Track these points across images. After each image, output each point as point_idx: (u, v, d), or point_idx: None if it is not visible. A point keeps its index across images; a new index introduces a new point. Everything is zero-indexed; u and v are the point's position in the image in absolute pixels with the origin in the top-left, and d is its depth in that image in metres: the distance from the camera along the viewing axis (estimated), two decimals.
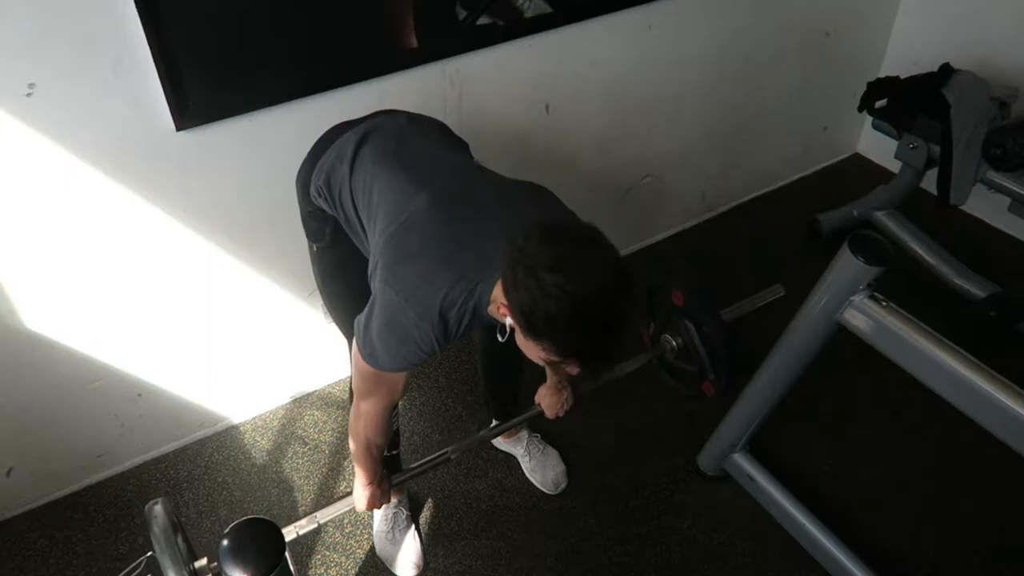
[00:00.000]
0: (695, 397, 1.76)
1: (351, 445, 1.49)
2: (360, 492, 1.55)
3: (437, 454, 1.64)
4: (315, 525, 1.48)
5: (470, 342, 2.27)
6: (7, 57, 1.41)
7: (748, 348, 1.73)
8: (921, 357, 1.40)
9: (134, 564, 1.31)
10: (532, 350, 1.15)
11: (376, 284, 1.28)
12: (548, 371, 1.68)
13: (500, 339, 1.29)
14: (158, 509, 1.30)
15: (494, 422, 2.11)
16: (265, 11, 1.62)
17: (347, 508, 1.55)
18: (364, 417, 1.41)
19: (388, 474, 1.59)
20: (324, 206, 1.46)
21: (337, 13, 1.70)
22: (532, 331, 1.09)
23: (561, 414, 1.72)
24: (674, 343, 1.72)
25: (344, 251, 1.50)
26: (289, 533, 1.40)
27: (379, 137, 1.44)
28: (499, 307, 1.17)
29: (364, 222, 1.39)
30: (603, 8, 2.13)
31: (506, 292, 1.10)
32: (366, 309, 1.29)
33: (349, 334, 1.65)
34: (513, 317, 1.12)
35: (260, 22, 1.63)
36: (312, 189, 1.47)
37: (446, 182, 1.32)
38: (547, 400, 1.72)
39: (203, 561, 1.32)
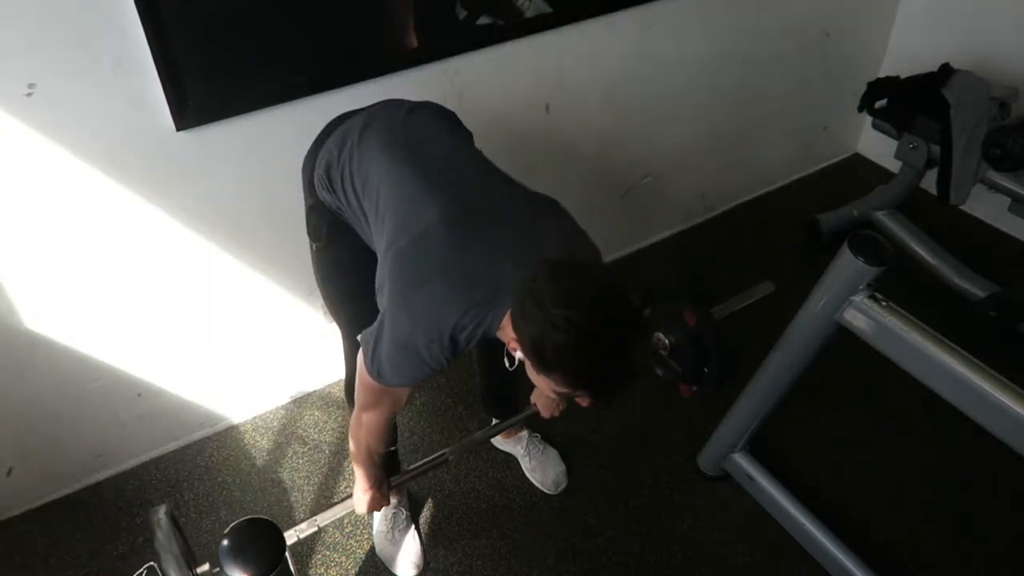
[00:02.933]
0: (667, 384, 1.75)
1: (352, 449, 1.49)
2: (360, 496, 1.55)
3: (435, 456, 1.65)
4: (315, 529, 1.48)
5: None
6: (7, 57, 1.41)
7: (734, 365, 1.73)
8: (921, 357, 1.40)
9: (138, 573, 1.32)
10: (544, 383, 1.18)
11: (385, 303, 1.28)
12: None
13: (508, 367, 1.33)
14: (162, 516, 1.30)
15: (493, 421, 2.11)
16: (265, 11, 1.62)
17: (347, 511, 1.56)
18: (366, 427, 1.43)
19: (387, 477, 1.59)
20: (326, 197, 1.45)
21: (337, 13, 1.70)
22: (543, 364, 1.11)
23: (556, 414, 1.72)
24: (667, 341, 1.71)
25: (343, 250, 1.50)
26: (289, 537, 1.40)
27: (383, 125, 1.42)
28: (510, 341, 1.20)
29: (368, 216, 1.37)
30: (603, 8, 2.13)
31: (515, 326, 1.13)
32: (374, 326, 1.28)
33: (348, 333, 1.66)
34: (524, 351, 1.14)
35: (260, 22, 1.63)
36: (315, 179, 1.46)
37: (456, 189, 1.30)
38: (543, 400, 1.72)
39: (205, 567, 1.32)
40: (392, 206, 1.31)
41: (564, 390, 1.16)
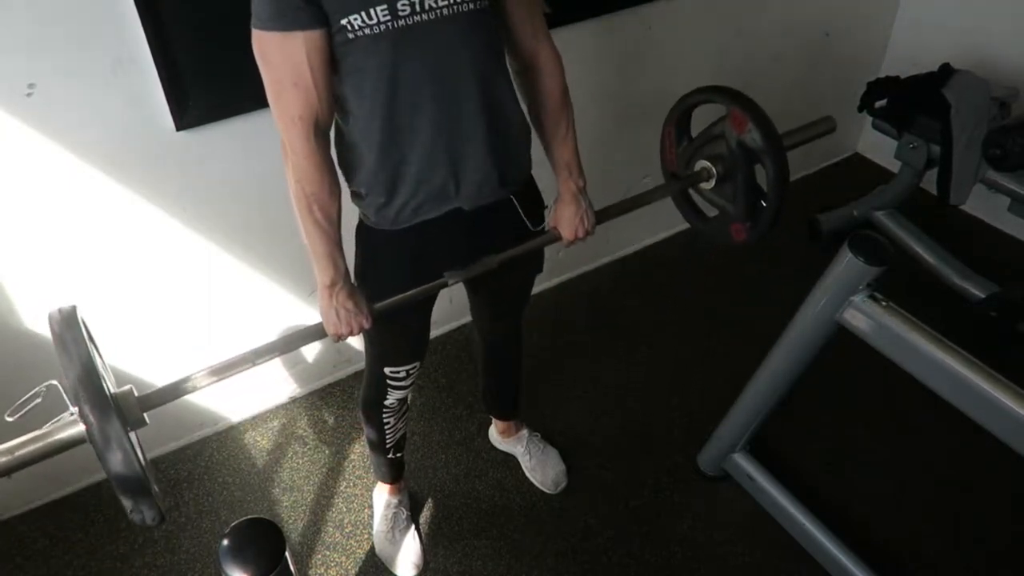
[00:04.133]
0: (715, 237, 1.50)
1: (297, 217, 1.24)
2: (325, 302, 1.28)
3: (435, 282, 1.35)
4: (275, 355, 1.25)
5: (469, 343, 2.27)
6: (7, 57, 1.41)
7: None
8: (921, 357, 1.40)
9: (34, 392, 1.06)
10: None
11: None
12: (551, 156, 1.47)
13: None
14: (63, 311, 1.04)
15: (494, 421, 2.11)
16: None
17: (318, 338, 1.30)
18: (288, 146, 1.20)
19: (356, 288, 1.31)
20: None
21: None
22: None
23: (581, 234, 1.46)
24: (714, 171, 1.47)
25: None
26: (245, 362, 1.21)
27: None
28: None
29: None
30: (603, 8, 2.13)
31: None
32: None
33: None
34: None
35: None
36: None
37: None
38: (564, 218, 1.45)
39: (127, 387, 1.11)
40: None
41: None
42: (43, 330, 1.74)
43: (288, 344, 1.27)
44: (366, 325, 1.30)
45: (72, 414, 1.02)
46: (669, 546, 1.91)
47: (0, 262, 1.63)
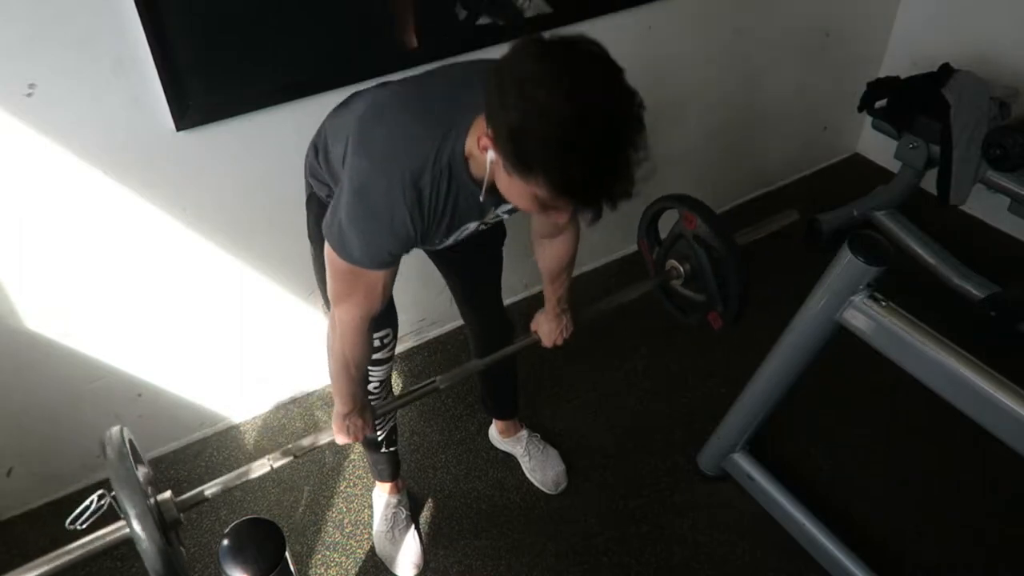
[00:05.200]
0: (700, 327, 1.66)
1: (329, 364, 1.38)
2: (340, 423, 1.45)
3: (424, 383, 1.53)
4: (289, 458, 1.40)
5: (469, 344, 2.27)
6: (7, 57, 1.41)
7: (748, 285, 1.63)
8: (921, 357, 1.40)
9: (90, 500, 1.22)
10: (518, 190, 1.01)
11: (345, 165, 1.19)
12: (546, 290, 1.59)
13: (483, 225, 1.29)
14: (115, 434, 1.19)
15: (494, 421, 2.11)
16: (265, 11, 1.62)
17: (327, 440, 1.47)
18: (340, 327, 1.30)
19: (368, 401, 1.50)
20: (315, 186, 1.42)
21: (337, 13, 1.70)
22: (522, 160, 0.94)
23: (559, 342, 1.61)
24: (682, 269, 1.61)
25: None
26: (261, 467, 1.36)
27: (371, 90, 1.38)
28: (479, 140, 1.04)
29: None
30: (603, 8, 2.13)
31: (490, 117, 0.96)
32: (335, 195, 1.21)
33: None
34: (499, 148, 0.97)
35: (260, 22, 1.63)
36: (306, 164, 1.44)
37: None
38: (544, 327, 1.62)
39: (167, 494, 1.25)
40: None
41: (544, 194, 0.97)
42: (43, 330, 1.75)
43: (299, 449, 1.44)
44: (369, 434, 1.52)
45: (121, 523, 1.20)
46: (669, 546, 1.91)
47: (0, 262, 1.63)
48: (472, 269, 1.71)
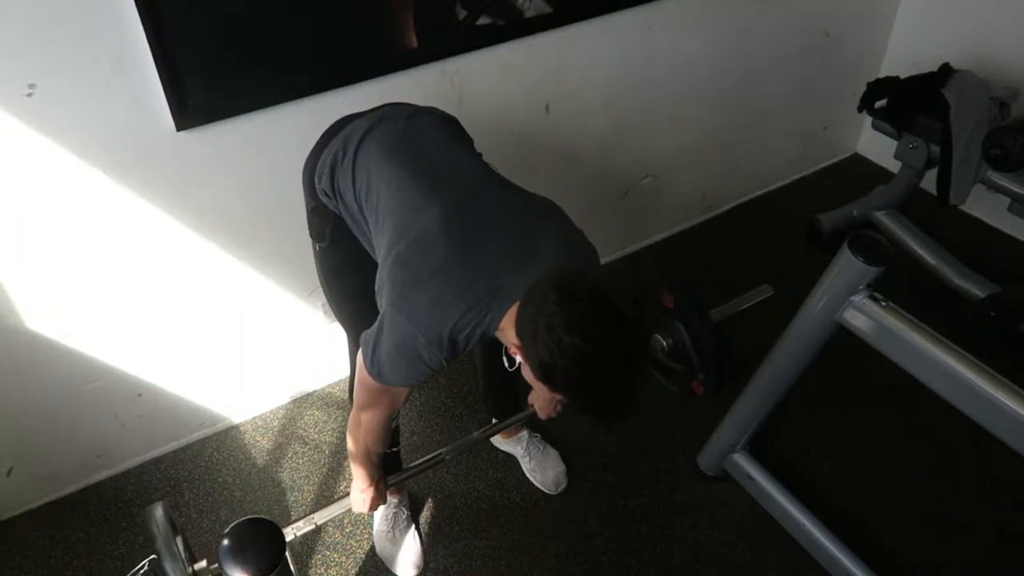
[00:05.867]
0: (686, 395, 1.78)
1: (350, 448, 1.49)
2: (357, 495, 1.57)
3: (431, 456, 1.66)
4: (312, 527, 1.49)
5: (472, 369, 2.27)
6: (7, 57, 1.41)
7: (732, 354, 1.76)
8: (921, 357, 1.40)
9: (139, 567, 1.31)
10: (545, 392, 1.18)
11: (384, 305, 1.28)
12: None
13: (508, 368, 1.34)
14: (159, 513, 1.30)
15: (493, 421, 2.11)
16: (265, 11, 1.62)
17: (344, 509, 1.56)
18: (365, 427, 1.42)
19: (384, 476, 1.60)
20: (326, 201, 1.46)
21: (337, 13, 1.70)
22: (550, 384, 1.13)
23: (554, 415, 1.72)
24: (664, 343, 1.74)
25: (346, 251, 1.49)
26: (287, 534, 1.40)
27: (385, 129, 1.43)
28: (511, 345, 1.20)
29: (368, 220, 1.38)
30: (603, 8, 2.13)
31: (521, 336, 1.13)
32: (374, 327, 1.29)
33: (351, 332, 1.66)
34: (530, 369, 1.15)
35: (260, 22, 1.63)
36: (315, 182, 1.47)
37: (456, 195, 1.31)
38: (540, 401, 1.71)
39: (203, 563, 1.33)
40: (392, 211, 1.32)
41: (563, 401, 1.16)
42: (43, 330, 1.75)
43: (310, 521, 1.51)
44: (384, 503, 1.64)
45: None
46: (669, 546, 1.91)
47: (0, 262, 1.63)
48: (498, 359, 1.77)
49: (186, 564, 1.27)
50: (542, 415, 1.72)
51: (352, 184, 1.39)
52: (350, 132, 1.44)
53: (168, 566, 1.24)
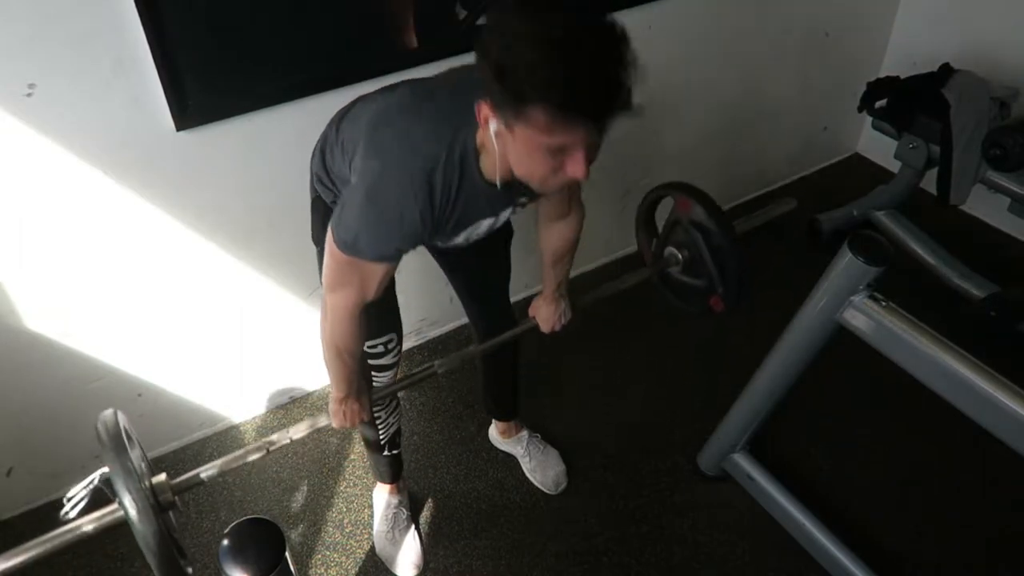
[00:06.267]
0: (703, 313, 1.65)
1: (323, 351, 1.38)
2: (335, 407, 1.46)
3: (423, 368, 1.55)
4: (287, 440, 1.41)
5: (469, 341, 2.27)
6: (7, 57, 1.41)
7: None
8: (921, 357, 1.40)
9: (87, 481, 1.20)
10: (526, 145, 1.01)
11: (355, 166, 1.22)
12: (546, 276, 1.60)
13: (496, 222, 1.32)
14: (107, 419, 1.21)
15: (494, 422, 2.11)
16: (265, 11, 1.62)
17: (324, 424, 1.47)
18: (332, 313, 1.30)
19: (367, 387, 1.51)
20: (320, 189, 1.43)
21: (337, 13, 1.70)
22: (516, 96, 0.94)
23: (558, 327, 1.63)
24: (680, 256, 1.61)
25: None
26: (260, 450, 1.38)
27: (369, 95, 1.39)
28: (480, 112, 1.05)
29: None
30: (602, 8, 2.13)
31: (480, 67, 0.97)
32: (345, 192, 1.22)
33: None
34: (494, 101, 0.99)
35: (260, 22, 1.63)
36: (312, 169, 1.45)
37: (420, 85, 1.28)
38: (543, 312, 1.63)
39: (162, 476, 1.26)
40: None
41: (547, 131, 0.97)
42: (43, 330, 1.75)
43: (296, 432, 1.45)
44: (366, 419, 1.51)
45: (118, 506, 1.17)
46: (669, 546, 1.91)
47: (0, 262, 1.63)
48: (481, 267, 1.71)
49: (141, 479, 1.18)
50: (544, 327, 1.64)
51: (342, 152, 1.33)
52: (340, 111, 1.42)
53: (119, 483, 1.12)
